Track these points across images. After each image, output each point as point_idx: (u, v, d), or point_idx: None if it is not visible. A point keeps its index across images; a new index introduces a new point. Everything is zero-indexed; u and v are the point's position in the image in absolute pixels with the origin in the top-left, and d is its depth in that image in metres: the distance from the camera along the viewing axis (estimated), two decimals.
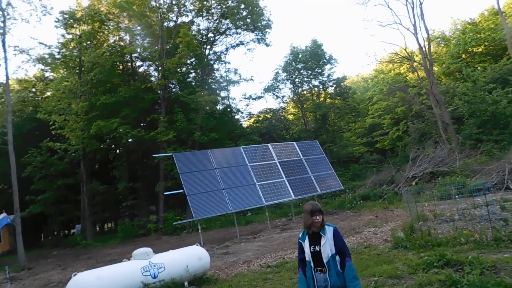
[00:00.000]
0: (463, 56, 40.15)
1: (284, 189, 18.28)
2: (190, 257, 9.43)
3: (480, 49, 39.84)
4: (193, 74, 32.88)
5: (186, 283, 9.14)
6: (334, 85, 34.90)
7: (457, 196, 12.58)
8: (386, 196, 20.74)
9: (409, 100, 38.92)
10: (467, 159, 21.89)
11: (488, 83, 27.88)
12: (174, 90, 31.42)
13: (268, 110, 34.60)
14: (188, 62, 30.43)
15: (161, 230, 25.40)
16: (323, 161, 21.05)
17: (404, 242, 9.43)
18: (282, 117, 36.57)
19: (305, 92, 35.95)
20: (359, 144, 40.80)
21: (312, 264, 3.96)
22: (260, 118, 35.01)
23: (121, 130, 25.90)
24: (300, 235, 4.16)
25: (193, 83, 31.90)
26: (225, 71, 32.64)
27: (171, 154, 18.62)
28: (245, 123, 37.05)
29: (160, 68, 27.80)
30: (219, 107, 33.91)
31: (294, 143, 21.36)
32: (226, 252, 14.29)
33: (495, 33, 37.87)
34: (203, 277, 9.81)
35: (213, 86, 32.58)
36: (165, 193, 20.32)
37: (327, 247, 3.89)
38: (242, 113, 33.38)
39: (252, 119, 37.30)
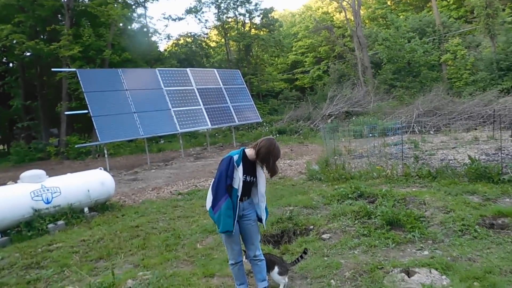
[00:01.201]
0: (389, 2, 41.07)
1: (201, 117, 17.45)
2: (92, 181, 8.41)
3: None
4: None
5: (86, 209, 8.21)
6: (261, 16, 33.46)
7: (370, 134, 12.98)
8: (302, 132, 21.12)
9: (333, 40, 39.36)
10: (380, 102, 22.96)
11: (408, 31, 28.90)
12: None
13: (189, 34, 32.27)
14: None
15: (62, 155, 23.27)
16: (243, 91, 20.41)
17: (319, 175, 9.44)
18: (203, 44, 34.50)
19: (230, 19, 34.04)
20: (280, 80, 40.80)
21: (239, 193, 3.50)
22: (180, 42, 32.59)
23: (13, 39, 22.12)
24: (235, 158, 3.53)
25: None
26: None
27: (75, 69, 16.34)
28: (163, 46, 34.53)
29: None
30: (135, 25, 30.77)
31: (215, 70, 20.26)
32: (135, 179, 13.43)
33: None
34: (107, 203, 8.95)
35: (128, 1, 29.10)
36: (66, 112, 18.18)
37: (262, 179, 3.65)
38: (159, 34, 30.67)
39: (171, 43, 34.91)
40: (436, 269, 3.83)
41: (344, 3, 35.56)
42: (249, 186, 3.61)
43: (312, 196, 7.31)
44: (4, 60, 29.69)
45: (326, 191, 7.61)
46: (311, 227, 5.83)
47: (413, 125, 16.29)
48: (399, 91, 25.53)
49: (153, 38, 31.48)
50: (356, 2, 30.02)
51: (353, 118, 19.85)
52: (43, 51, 23.21)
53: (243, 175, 3.50)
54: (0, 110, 28.38)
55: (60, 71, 21.56)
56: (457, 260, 4.12)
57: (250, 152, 3.54)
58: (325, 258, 4.57)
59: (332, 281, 3.98)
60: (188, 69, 18.82)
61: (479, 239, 4.69)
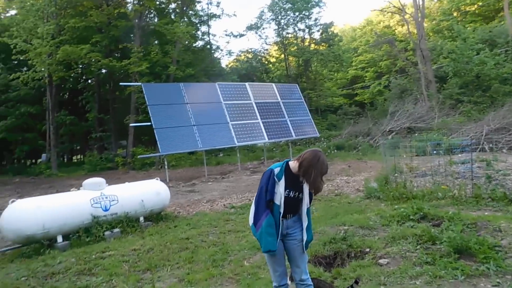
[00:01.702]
0: (455, 14, 38.91)
1: (258, 131, 17.47)
2: (148, 191, 8.64)
3: (473, 8, 38.65)
4: (173, 5, 30.38)
5: (141, 219, 8.42)
6: (321, 31, 33.21)
7: (434, 151, 12.10)
8: (361, 148, 20.39)
9: (394, 54, 37.98)
10: (445, 118, 21.54)
11: (477, 43, 27.03)
12: (150, 19, 29.05)
13: (249, 50, 32.88)
14: None
15: (129, 165, 24.51)
16: (301, 106, 20.18)
17: (377, 193, 8.91)
18: (263, 59, 34.87)
19: (289, 35, 34.18)
20: (339, 95, 40.05)
21: (281, 210, 3.23)
22: (241, 58, 33.28)
23: (91, 58, 23.95)
24: (275, 171, 3.28)
25: (172, 14, 29.57)
26: (207, 3, 30.29)
27: (140, 84, 17.21)
28: (225, 62, 35.41)
29: None
30: (199, 43, 31.94)
31: (273, 84, 20.29)
32: (192, 190, 13.67)
33: None
34: (161, 213, 9.13)
35: (192, 19, 30.35)
36: (131, 124, 19.12)
37: (306, 196, 3.31)
38: (221, 50, 31.47)
39: (232, 58, 35.61)
40: None
41: (407, 16, 34.29)
42: (295, 203, 3.30)
43: (369, 216, 6.85)
44: (83, 77, 32.22)
45: (385, 211, 7.10)
46: (367, 250, 5.40)
47: (483, 143, 14.98)
48: (467, 106, 23.72)
49: (216, 55, 32.49)
50: (420, 13, 28.74)
51: (416, 134, 18.75)
52: (115, 67, 24.86)
53: (285, 190, 3.23)
54: (77, 123, 30.70)
55: (128, 85, 22.88)
56: None
57: (293, 164, 3.26)
58: (382, 287, 4.16)
59: None
60: (247, 84, 19.05)
61: None
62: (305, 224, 3.35)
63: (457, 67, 25.95)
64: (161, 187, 9.00)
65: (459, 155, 12.01)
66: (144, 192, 8.54)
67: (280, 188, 3.22)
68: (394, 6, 33.39)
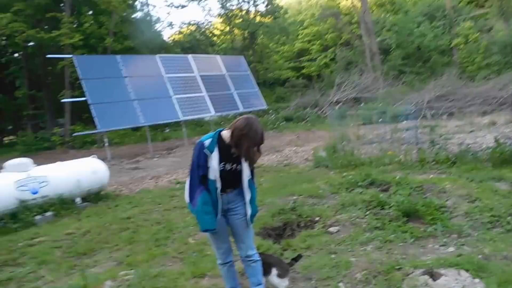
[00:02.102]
0: None
1: (204, 104, 16.84)
2: (83, 170, 7.89)
3: None
4: None
5: (78, 199, 7.70)
6: (266, 2, 32.49)
7: (380, 120, 12.27)
8: (309, 119, 20.45)
9: (339, 27, 38.27)
10: (389, 88, 22.13)
11: (417, 16, 27.84)
12: None
13: (193, 22, 31.48)
14: None
15: (67, 144, 22.86)
16: (247, 78, 19.72)
17: (326, 162, 8.81)
18: (207, 32, 33.63)
19: (234, 7, 33.12)
20: (286, 68, 39.89)
21: (218, 185, 2.88)
22: (184, 31, 31.81)
23: (13, 28, 21.57)
24: (206, 143, 2.90)
25: None
26: None
27: (71, 56, 15.79)
28: (167, 35, 33.68)
29: None
30: (138, 14, 29.98)
31: (218, 56, 19.60)
32: (136, 167, 12.93)
33: None
34: (101, 192, 8.45)
35: None
36: (63, 100, 17.68)
37: (246, 167, 2.95)
38: (162, 22, 29.75)
39: (174, 31, 34.06)
40: (467, 270, 3.20)
41: None
42: (233, 176, 2.93)
43: (318, 185, 6.69)
44: (7, 50, 29.22)
45: (334, 179, 6.99)
46: (317, 218, 5.23)
47: (425, 110, 15.50)
48: (409, 76, 24.65)
49: (156, 27, 30.69)
50: None
51: (362, 104, 19.08)
52: (43, 39, 22.69)
53: (220, 163, 2.86)
54: (7, 100, 28.03)
55: (57, 58, 21.00)
56: (490, 258, 3.47)
57: (227, 134, 2.89)
58: (333, 256, 3.96)
59: (341, 284, 3.38)
60: (189, 56, 18.17)
61: None
62: (247, 197, 3.01)
63: (399, 39, 26.68)
64: (98, 165, 8.29)
65: (404, 122, 12.26)
66: (79, 172, 7.79)
67: (213, 162, 2.84)
68: None
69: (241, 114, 24.92)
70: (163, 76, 16.35)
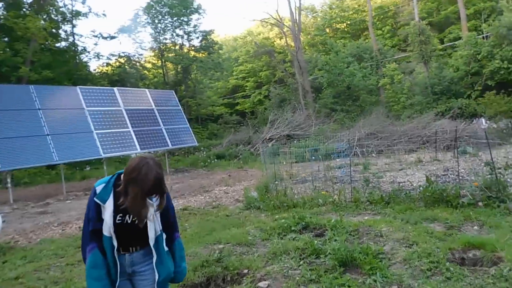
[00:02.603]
0: (327, 30, 42.31)
1: (129, 140, 15.65)
2: None
3: (343, 26, 42.60)
4: None
5: None
6: (200, 38, 32.49)
7: (313, 157, 12.10)
8: (242, 156, 20.00)
9: (274, 65, 39.42)
10: (322, 125, 22.62)
11: (347, 57, 29.45)
12: None
13: (122, 54, 30.29)
14: None
15: None
16: (178, 114, 18.89)
17: (257, 203, 8.22)
18: (138, 65, 32.54)
19: (167, 41, 32.68)
20: (220, 104, 39.84)
21: (115, 243, 2.19)
22: (112, 63, 30.43)
23: None
24: (97, 189, 2.24)
25: (27, 10, 25.48)
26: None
27: None
28: (94, 67, 32.01)
29: None
30: (62, 44, 28.18)
31: (147, 90, 18.62)
32: (43, 212, 11.30)
33: (357, 13, 40.89)
34: None
35: (54, 17, 26.67)
36: None
37: (154, 219, 2.32)
38: (88, 52, 28.18)
39: (101, 62, 32.53)
40: None
41: (285, 29, 35.86)
42: (135, 231, 2.23)
43: (248, 229, 6.02)
44: None
45: (265, 223, 6.38)
46: (245, 271, 4.51)
47: (356, 148, 15.80)
48: (340, 114, 25.61)
49: (82, 57, 29.00)
50: (296, 27, 30.23)
51: (295, 141, 19.12)
52: None
53: (117, 214, 2.18)
54: None
55: None
56: None
57: None
58: None
59: None
60: (115, 88, 17.03)
61: (454, 281, 3.67)
62: (155, 258, 2.29)
63: (331, 78, 27.89)
64: None
65: (336, 159, 12.26)
66: None
67: (107, 214, 2.16)
68: (274, 18, 34.61)
69: (171, 151, 23.90)
70: (84, 109, 15.02)
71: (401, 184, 8.13)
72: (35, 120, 13.41)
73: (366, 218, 5.92)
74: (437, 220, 5.36)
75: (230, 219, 7.40)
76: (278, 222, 5.88)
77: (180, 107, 19.66)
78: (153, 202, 2.22)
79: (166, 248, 2.38)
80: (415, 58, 26.76)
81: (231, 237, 5.60)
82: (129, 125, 16.09)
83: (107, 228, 2.15)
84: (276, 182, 8.72)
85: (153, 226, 2.26)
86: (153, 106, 17.76)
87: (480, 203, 5.84)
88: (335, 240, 4.74)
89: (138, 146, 15.85)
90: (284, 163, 11.81)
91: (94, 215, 2.19)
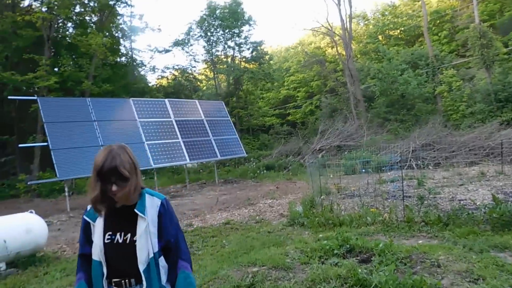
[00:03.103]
0: (380, 37, 40.86)
1: (179, 151, 15.83)
2: (12, 228, 6.65)
3: (396, 33, 40.94)
4: (94, 18, 27.98)
5: (2, 265, 6.42)
6: (251, 49, 32.64)
7: (363, 170, 11.37)
8: (291, 168, 19.52)
9: (325, 75, 38.66)
10: (374, 136, 21.57)
11: (400, 64, 28.05)
12: (64, 30, 26.42)
13: (176, 67, 31.22)
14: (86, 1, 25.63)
15: (34, 192, 21.41)
16: (227, 124, 18.91)
17: (302, 219, 7.73)
18: (191, 77, 33.36)
19: (219, 53, 33.25)
20: (271, 115, 39.68)
21: (104, 270, 1.84)
22: (168, 77, 31.41)
23: None
24: (88, 207, 1.96)
25: (91, 26, 27.16)
26: (129, 16, 28.29)
27: (35, 97, 14.85)
28: (153, 81, 33.28)
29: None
30: (123, 59, 29.66)
31: (196, 101, 18.86)
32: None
33: (411, 19, 39.09)
34: (37, 255, 7.15)
35: (114, 33, 28.18)
36: (21, 145, 16.52)
37: (146, 238, 1.89)
38: (145, 66, 29.35)
39: (156, 75, 33.78)
40: None
41: (336, 38, 35.08)
42: (127, 253, 1.86)
43: (288, 250, 5.58)
44: None
45: (307, 243, 5.90)
46: None
47: (410, 160, 14.73)
48: (393, 124, 24.27)
49: (140, 71, 30.32)
50: (347, 34, 29.39)
51: (345, 152, 18.31)
52: (17, 81, 21.91)
53: (105, 232, 1.89)
54: None
55: (19, 99, 20.13)
56: None
57: None
58: None
59: None
60: (166, 100, 17.41)
61: None
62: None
63: (383, 87, 26.62)
64: (34, 222, 7.08)
65: (388, 173, 11.42)
66: (7, 230, 6.56)
67: (96, 233, 1.89)
68: (324, 27, 34.00)
69: (222, 162, 23.99)
70: (136, 120, 15.45)
71: (462, 202, 7.25)
72: (91, 132, 13.96)
73: (420, 242, 5.24)
74: (509, 249, 4.57)
75: (271, 236, 6.99)
76: (320, 243, 5.38)
77: (230, 118, 19.68)
78: (145, 217, 1.90)
79: (164, 281, 1.94)
80: (475, 64, 24.73)
81: (269, 258, 5.19)
82: (179, 135, 16.31)
83: (97, 251, 1.85)
84: (322, 197, 8.19)
85: (145, 245, 1.86)
86: (203, 117, 17.90)
87: None
88: (383, 269, 4.17)
89: (187, 157, 15.99)
90: (331, 176, 11.20)
91: (82, 236, 1.94)
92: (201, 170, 23.52)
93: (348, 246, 5.10)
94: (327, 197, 9.27)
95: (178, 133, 16.31)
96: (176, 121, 16.64)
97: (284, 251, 5.56)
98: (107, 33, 27.37)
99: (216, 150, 17.21)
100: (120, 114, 15.21)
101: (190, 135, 16.67)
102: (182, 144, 16.10)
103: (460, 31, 31.98)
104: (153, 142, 15.27)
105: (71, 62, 23.71)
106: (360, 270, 4.17)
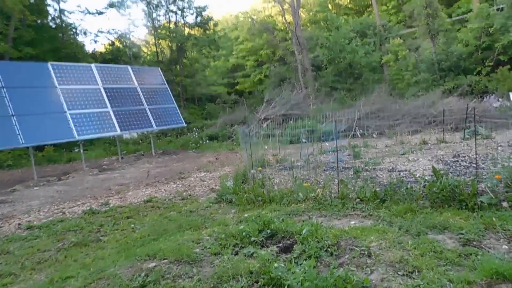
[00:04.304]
0: (330, 6, 40.15)
1: (108, 121, 14.33)
2: None
3: (346, 2, 40.42)
4: None
5: None
6: (195, 14, 30.66)
7: (303, 140, 10.67)
8: (235, 137, 18.62)
9: (275, 43, 37.53)
10: (321, 105, 21.08)
11: (349, 32, 27.56)
12: None
13: (113, 31, 28.60)
14: None
15: None
16: (164, 93, 17.45)
17: (230, 195, 6.87)
18: (129, 43, 30.87)
19: (161, 17, 30.94)
20: (219, 84, 38.23)
21: None
22: (105, 44, 28.74)
23: None
24: None
25: None
26: None
27: None
28: (87, 45, 30.42)
29: None
30: (48, 21, 26.59)
31: (128, 66, 17.12)
32: (3, 201, 10.12)
33: None
34: None
35: None
36: None
37: None
38: (75, 29, 26.58)
39: (89, 39, 31.10)
40: None
41: (286, 6, 33.84)
42: None
43: (203, 236, 4.69)
44: None
45: (228, 225, 5.06)
46: None
47: (355, 128, 14.31)
48: (340, 93, 23.95)
49: (71, 35, 27.36)
50: (296, 1, 28.26)
51: (291, 121, 17.63)
52: None
53: None
54: None
55: None
56: None
57: None
58: None
59: None
60: (93, 65, 15.58)
61: None
62: None
63: (331, 55, 26.10)
64: None
65: (330, 143, 10.84)
66: None
67: None
68: None
69: (164, 133, 22.60)
70: (56, 87, 13.66)
71: (401, 173, 6.70)
72: (1, 100, 12.10)
73: (352, 223, 4.53)
74: (448, 230, 3.95)
75: (192, 217, 6.08)
76: (237, 228, 4.52)
77: (167, 85, 18.19)
78: None
79: None
80: (421, 34, 24.79)
81: (175, 248, 4.25)
82: (108, 104, 14.75)
83: None
84: (253, 171, 7.35)
85: None
86: (136, 85, 16.35)
87: (504, 204, 4.43)
88: (304, 261, 3.39)
89: (117, 127, 14.54)
90: (266, 147, 10.43)
91: None
92: (140, 141, 22.01)
93: (269, 231, 4.28)
94: (263, 170, 8.49)
95: (107, 102, 14.73)
96: (104, 88, 14.99)
97: (198, 237, 4.67)
98: None
99: (152, 120, 15.85)
100: (34, 80, 13.33)
101: (121, 104, 15.14)
102: (111, 113, 14.57)
103: (407, 1, 31.97)
104: (77, 111, 13.62)
105: None
106: (276, 265, 3.35)
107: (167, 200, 7.66)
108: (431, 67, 22.61)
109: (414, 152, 9.51)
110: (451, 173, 6.27)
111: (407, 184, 5.24)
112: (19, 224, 7.00)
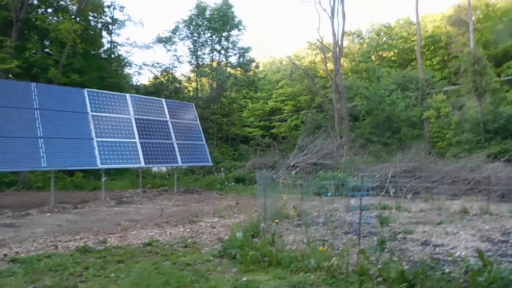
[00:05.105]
0: (373, 57, 39.91)
1: (134, 152, 14.12)
2: None
3: (389, 54, 40.10)
4: (70, 5, 26.21)
5: None
6: (238, 55, 31.19)
7: (329, 193, 9.78)
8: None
9: (314, 90, 37.37)
10: (354, 157, 20.10)
11: (390, 84, 26.86)
12: (36, 14, 24.65)
13: (157, 65, 29.58)
14: None
15: None
16: (195, 129, 17.24)
17: (236, 249, 6.09)
18: (171, 77, 31.65)
19: (205, 55, 31.73)
20: (255, 127, 38.15)
21: None
22: (150, 78, 29.68)
23: None
24: None
25: (67, 13, 25.41)
26: (108, 7, 26.57)
27: None
28: (141, 80, 31.47)
29: None
30: (100, 51, 27.88)
31: (163, 99, 17.17)
32: (12, 224, 9.84)
33: (405, 42, 38.27)
34: None
35: (93, 24, 26.50)
36: None
37: None
38: (123, 60, 27.62)
39: (132, 71, 32.27)
40: None
41: (328, 54, 33.88)
42: None
43: None
44: None
45: None
46: None
47: (388, 186, 13.21)
48: (376, 146, 22.85)
49: (118, 65, 28.48)
50: (338, 49, 28.11)
51: (321, 171, 16.75)
52: None
53: None
54: None
55: None
56: None
57: None
58: None
59: None
60: (127, 95, 15.71)
61: None
62: None
63: (370, 106, 25.36)
64: None
65: (364, 198, 9.86)
66: None
67: None
68: (317, 41, 32.78)
69: (192, 170, 22.31)
70: (88, 113, 13.73)
71: (436, 249, 5.67)
72: (31, 120, 12.25)
73: None
74: None
75: (185, 271, 5.32)
76: None
77: (198, 121, 17.99)
78: None
79: None
80: (467, 92, 23.58)
81: None
82: (137, 135, 14.62)
83: None
84: (263, 225, 6.56)
85: None
86: (168, 118, 16.25)
87: None
88: None
89: (142, 160, 14.30)
90: (284, 198, 9.62)
91: None
92: (167, 176, 21.76)
93: None
94: (280, 223, 7.69)
95: (135, 132, 14.62)
96: (136, 119, 14.96)
97: None
98: (78, 19, 25.68)
99: (178, 156, 15.52)
100: (69, 105, 13.48)
101: (149, 135, 14.98)
102: (138, 144, 14.39)
103: (453, 58, 31.08)
104: (104, 139, 13.54)
105: (41, 48, 21.96)
106: None
107: (168, 245, 6.96)
108: (475, 127, 21.23)
109: (453, 221, 8.35)
110: (501, 256, 5.19)
111: (443, 267, 4.26)
112: (5, 254, 6.50)
